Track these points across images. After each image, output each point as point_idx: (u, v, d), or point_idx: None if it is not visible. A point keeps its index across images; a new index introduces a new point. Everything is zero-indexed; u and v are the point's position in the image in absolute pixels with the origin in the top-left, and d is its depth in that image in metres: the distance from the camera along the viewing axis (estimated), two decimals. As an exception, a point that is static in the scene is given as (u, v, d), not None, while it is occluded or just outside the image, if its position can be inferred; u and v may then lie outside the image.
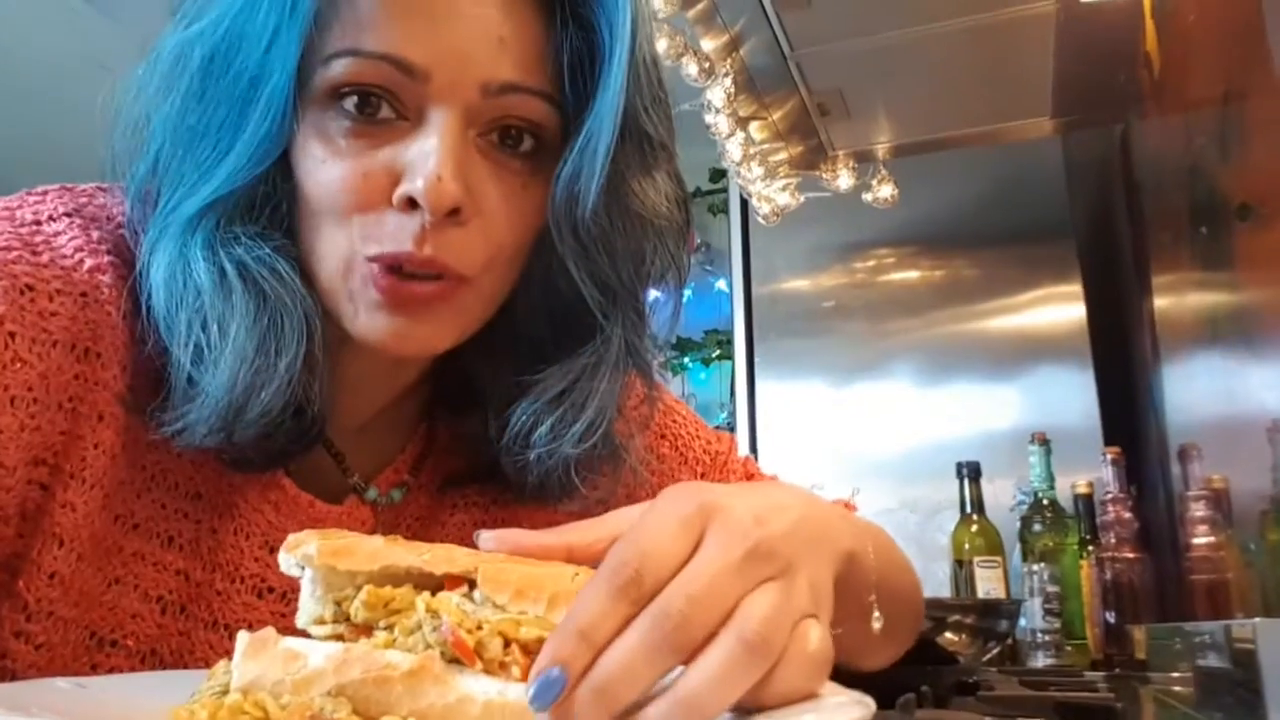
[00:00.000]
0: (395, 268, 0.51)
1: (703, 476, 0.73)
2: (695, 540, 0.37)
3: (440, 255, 0.51)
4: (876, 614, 0.51)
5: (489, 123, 0.53)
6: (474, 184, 0.52)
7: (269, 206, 0.53)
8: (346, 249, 0.52)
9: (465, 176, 0.51)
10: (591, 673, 0.34)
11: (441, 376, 0.64)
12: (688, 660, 0.35)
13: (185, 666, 0.57)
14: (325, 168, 0.51)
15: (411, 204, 0.50)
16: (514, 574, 0.38)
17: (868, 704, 0.37)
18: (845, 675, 0.65)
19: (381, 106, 0.51)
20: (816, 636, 0.37)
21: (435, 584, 0.39)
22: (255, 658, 0.37)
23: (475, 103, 0.51)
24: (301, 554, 0.39)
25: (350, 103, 0.51)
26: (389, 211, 0.51)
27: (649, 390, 0.63)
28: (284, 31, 0.49)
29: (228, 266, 0.51)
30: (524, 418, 0.58)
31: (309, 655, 0.37)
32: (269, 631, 0.38)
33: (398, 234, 0.51)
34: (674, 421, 0.73)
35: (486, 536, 0.42)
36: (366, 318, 0.53)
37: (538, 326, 0.59)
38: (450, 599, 0.38)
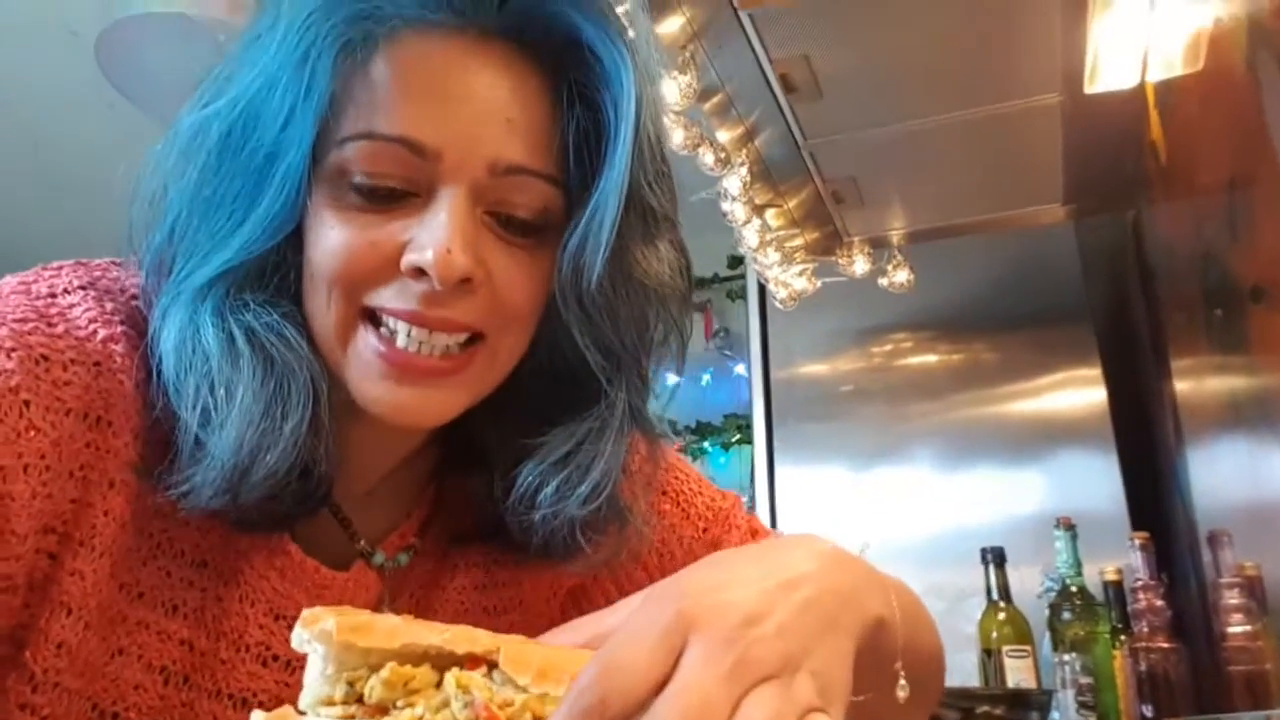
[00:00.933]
0: (406, 332, 0.52)
1: (705, 533, 0.72)
2: (675, 654, 0.35)
3: (456, 316, 0.53)
4: (902, 682, 0.49)
5: (495, 202, 0.54)
6: (484, 256, 0.53)
7: (278, 276, 0.55)
8: (348, 310, 0.53)
9: (474, 249, 0.52)
10: None
11: (449, 437, 0.64)
12: None
13: None
14: (333, 234, 0.53)
15: (419, 273, 0.52)
16: (536, 655, 0.38)
17: None
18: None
19: (388, 180, 0.53)
20: None
21: (450, 665, 0.38)
22: None
23: (482, 180, 0.53)
24: (319, 630, 0.38)
25: (364, 185, 0.53)
26: (396, 279, 0.53)
27: (651, 450, 0.64)
28: (299, 112, 0.51)
29: (236, 332, 0.52)
30: (530, 479, 0.58)
31: None
32: (287, 710, 0.37)
33: (404, 296, 0.52)
34: (676, 479, 0.73)
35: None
36: (370, 387, 0.54)
37: (543, 390, 0.60)
38: (477, 677, 0.37)
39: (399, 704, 0.37)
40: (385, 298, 0.53)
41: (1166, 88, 1.56)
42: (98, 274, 0.58)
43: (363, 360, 0.54)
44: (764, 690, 0.35)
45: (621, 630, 0.37)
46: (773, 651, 0.37)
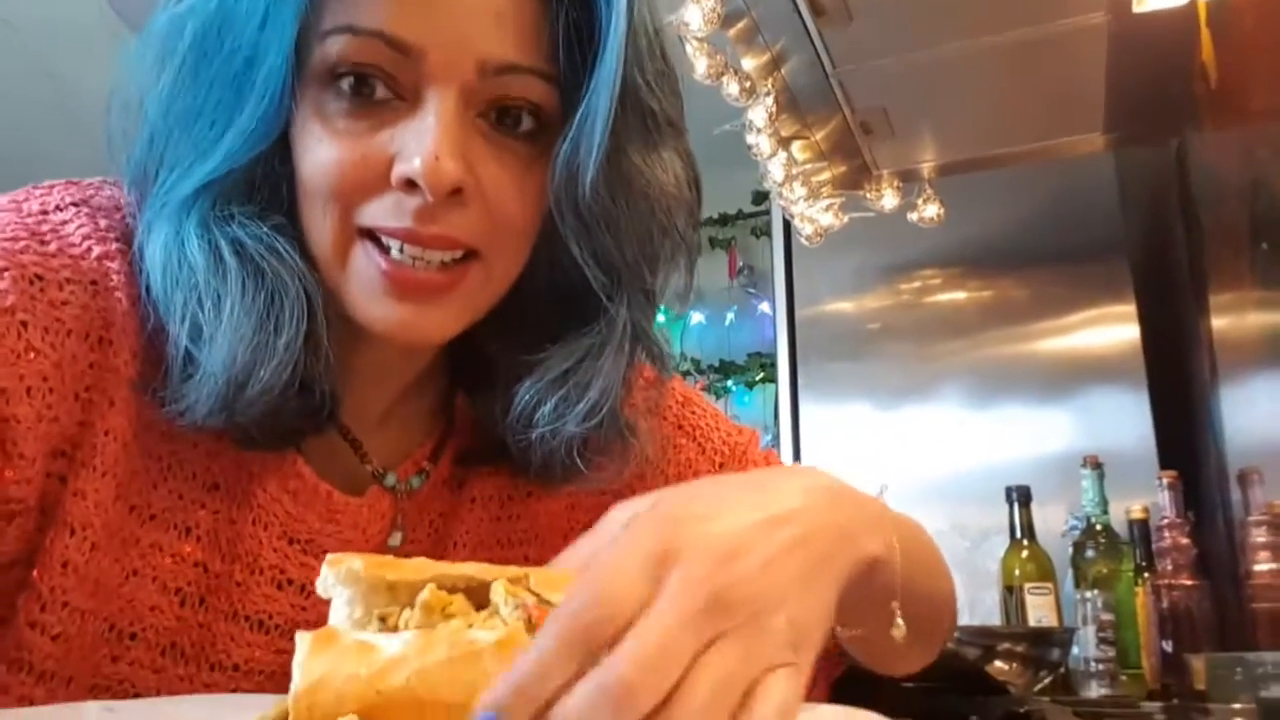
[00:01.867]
0: (398, 249, 0.51)
1: (721, 468, 0.71)
2: (655, 583, 0.34)
3: (449, 231, 0.51)
4: (899, 622, 0.49)
5: (487, 103, 0.52)
6: (474, 164, 0.51)
7: (267, 188, 0.53)
8: (344, 227, 0.52)
9: (464, 156, 0.50)
10: None
11: (459, 360, 0.64)
12: None
13: (206, 658, 0.56)
14: (322, 149, 0.51)
15: (410, 185, 0.50)
16: (564, 579, 0.38)
17: None
18: (887, 701, 0.64)
19: (378, 87, 0.51)
20: (778, 694, 0.34)
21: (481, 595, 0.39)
22: (323, 653, 0.35)
23: (472, 82, 0.51)
24: (344, 570, 0.38)
25: (346, 84, 0.51)
26: (389, 192, 0.51)
27: (659, 372, 0.62)
28: (276, 8, 0.49)
29: (223, 244, 0.51)
30: (527, 396, 0.57)
31: (383, 646, 0.35)
32: (332, 629, 0.37)
33: (399, 212, 0.51)
34: (692, 414, 0.72)
35: None
36: (371, 304, 0.52)
37: (546, 307, 0.59)
38: (521, 589, 0.38)
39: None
40: (379, 215, 0.51)
41: (1219, 6, 1.48)
42: (90, 191, 0.56)
43: (362, 278, 0.52)
44: (730, 644, 0.34)
45: (606, 558, 0.36)
46: (751, 593, 0.35)
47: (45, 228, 0.52)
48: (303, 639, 0.36)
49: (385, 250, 0.52)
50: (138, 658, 0.54)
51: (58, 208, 0.54)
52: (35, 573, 0.51)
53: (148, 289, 0.52)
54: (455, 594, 0.38)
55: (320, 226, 0.52)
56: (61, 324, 0.49)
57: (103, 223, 0.54)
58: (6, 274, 0.48)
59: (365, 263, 0.52)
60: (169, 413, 0.51)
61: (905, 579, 0.49)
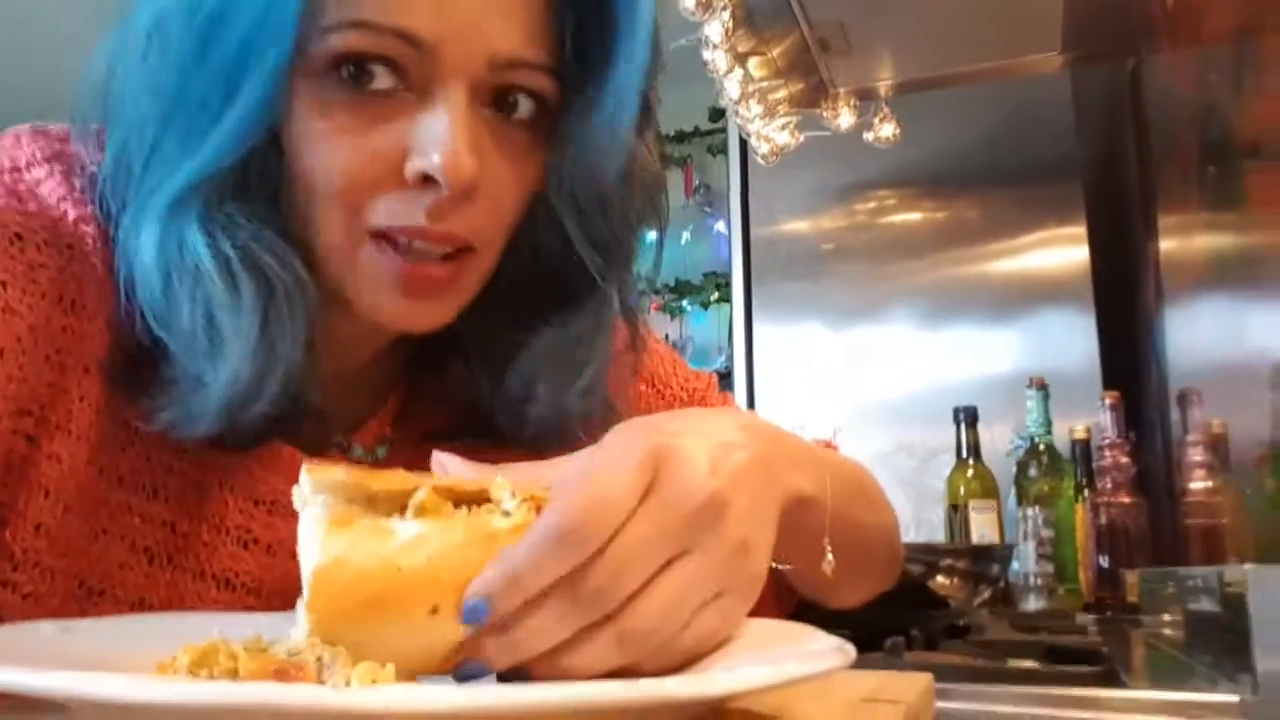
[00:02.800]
0: (406, 244, 0.50)
1: None
2: (645, 488, 0.37)
3: (456, 229, 0.50)
4: (829, 558, 0.52)
5: (491, 97, 0.51)
6: (483, 157, 0.50)
7: (262, 185, 0.51)
8: (353, 226, 0.51)
9: (479, 150, 0.49)
10: (507, 624, 0.36)
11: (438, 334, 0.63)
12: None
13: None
14: (328, 145, 0.49)
15: (426, 179, 0.49)
16: (543, 485, 0.40)
17: (847, 651, 0.37)
18: (830, 615, 0.65)
19: (379, 75, 0.49)
20: (720, 617, 0.38)
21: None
22: (340, 533, 0.35)
23: (482, 75, 0.50)
24: (328, 479, 0.37)
25: (347, 71, 0.48)
26: (400, 189, 0.49)
27: (633, 336, 0.63)
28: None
29: (230, 253, 0.49)
30: (523, 374, 0.58)
31: (399, 529, 0.36)
32: (351, 508, 0.37)
33: (410, 209, 0.49)
34: (651, 360, 0.73)
35: (437, 459, 0.43)
36: (379, 299, 0.52)
37: (522, 284, 0.58)
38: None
39: None
40: (390, 214, 0.50)
41: (1179, -77, 1.46)
42: (59, 145, 0.54)
43: (373, 276, 0.51)
44: (693, 561, 0.38)
45: (598, 457, 0.38)
46: (716, 512, 0.38)
47: (22, 187, 0.52)
48: (306, 475, 0.37)
49: (399, 251, 0.51)
50: (106, 614, 0.54)
51: (29, 164, 0.53)
52: (8, 534, 0.51)
53: (130, 278, 0.50)
54: (445, 502, 0.38)
55: (326, 225, 0.51)
56: (37, 285, 0.49)
57: (77, 184, 0.53)
58: None
59: (377, 262, 0.51)
60: (159, 425, 0.50)
61: (837, 515, 0.52)
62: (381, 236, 0.51)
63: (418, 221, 0.49)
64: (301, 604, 0.36)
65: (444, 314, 0.55)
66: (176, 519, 0.56)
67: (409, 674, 0.36)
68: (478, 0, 0.49)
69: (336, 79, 0.48)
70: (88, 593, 0.54)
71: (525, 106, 0.52)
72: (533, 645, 0.36)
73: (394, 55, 0.48)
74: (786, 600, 0.66)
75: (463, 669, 0.36)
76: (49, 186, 0.52)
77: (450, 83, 0.49)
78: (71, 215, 0.51)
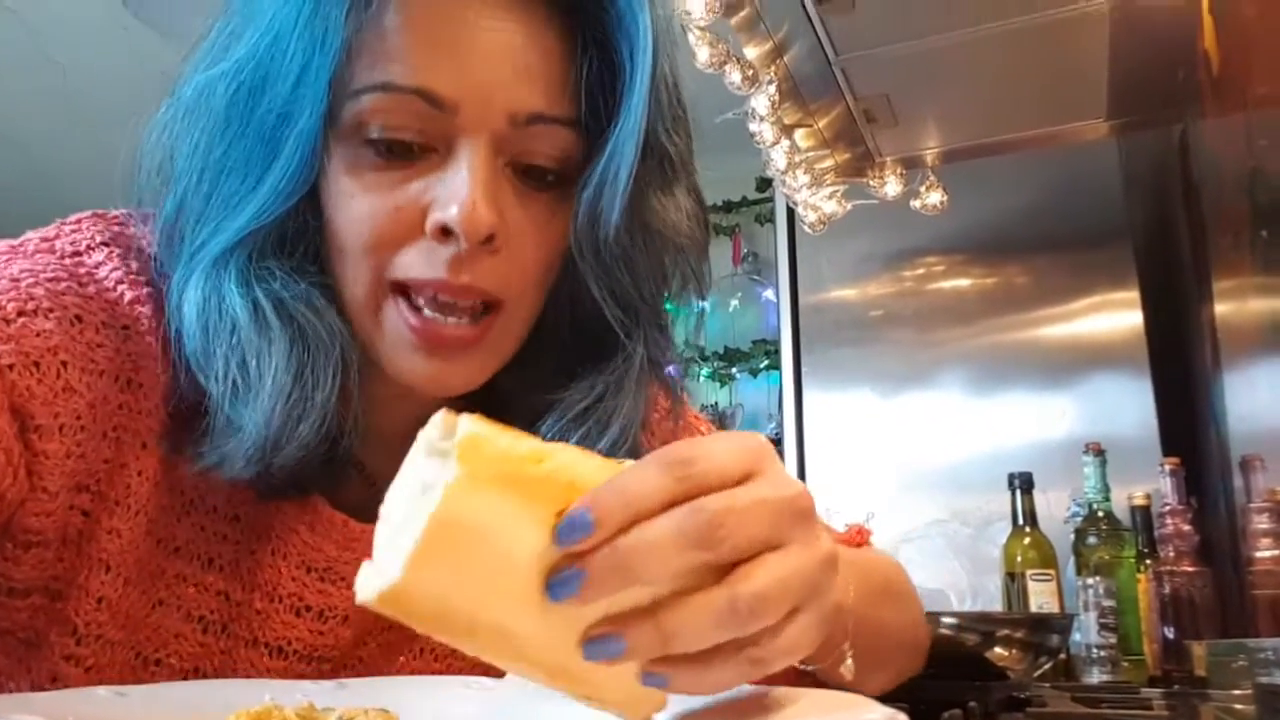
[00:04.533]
0: (430, 301, 0.52)
1: None
2: (750, 470, 0.37)
3: (478, 282, 0.52)
4: (848, 663, 0.52)
5: (515, 154, 0.53)
6: (505, 211, 0.52)
7: (301, 242, 0.54)
8: (377, 282, 0.53)
9: (498, 203, 0.51)
10: (618, 539, 0.34)
11: (471, 391, 0.64)
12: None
13: None
14: (355, 202, 0.52)
15: (445, 233, 0.51)
16: None
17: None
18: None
19: (405, 136, 0.52)
20: (797, 634, 0.37)
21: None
22: (484, 422, 0.35)
23: (503, 132, 0.52)
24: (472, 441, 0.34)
25: (377, 133, 0.51)
26: (421, 242, 0.52)
27: (672, 405, 0.64)
28: (313, 67, 0.50)
29: (263, 302, 0.52)
30: (549, 434, 0.58)
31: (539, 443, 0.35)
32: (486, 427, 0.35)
33: (432, 262, 0.51)
34: (688, 434, 0.72)
35: None
36: (401, 359, 0.54)
37: (564, 342, 0.59)
38: None
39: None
40: (411, 266, 0.52)
41: (1221, -7, 1.47)
42: (116, 229, 0.57)
43: (393, 333, 0.53)
44: (790, 551, 0.37)
45: (709, 437, 0.39)
46: (814, 513, 0.39)
47: (82, 270, 0.54)
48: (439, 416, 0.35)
49: (416, 307, 0.53)
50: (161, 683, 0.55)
51: (89, 248, 0.55)
52: (70, 608, 0.52)
53: (178, 336, 0.53)
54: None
55: (353, 280, 0.53)
56: (96, 365, 0.51)
57: (134, 265, 0.55)
58: (52, 315, 0.50)
59: (396, 319, 0.53)
60: (201, 467, 0.52)
61: (861, 619, 0.52)
62: (402, 293, 0.53)
63: (438, 274, 0.51)
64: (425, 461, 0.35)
65: (473, 375, 0.55)
66: (230, 588, 0.57)
67: (508, 591, 0.34)
68: (497, 60, 0.51)
69: (367, 141, 0.52)
70: (144, 662, 0.55)
71: (554, 173, 0.54)
72: (640, 565, 0.34)
73: (417, 120, 0.51)
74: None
75: (560, 577, 0.34)
76: (107, 269, 0.54)
77: (471, 140, 0.51)
78: (128, 296, 0.54)
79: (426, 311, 0.52)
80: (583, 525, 0.33)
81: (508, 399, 0.61)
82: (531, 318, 0.57)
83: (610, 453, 0.57)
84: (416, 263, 0.52)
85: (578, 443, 0.57)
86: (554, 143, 0.54)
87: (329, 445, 0.53)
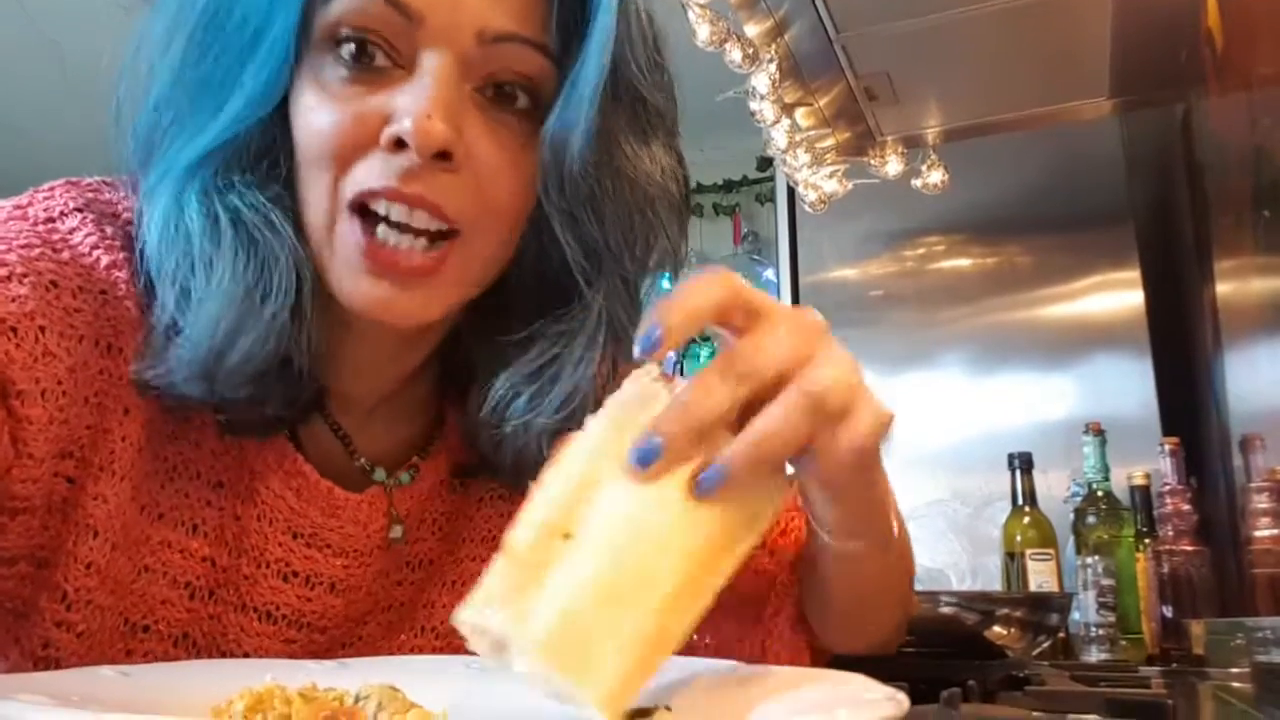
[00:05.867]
0: (384, 222, 0.51)
1: None
2: (807, 355, 0.42)
3: (430, 195, 0.51)
4: (895, 525, 0.54)
5: (484, 77, 0.52)
6: (467, 132, 0.51)
7: (267, 159, 0.53)
8: (331, 196, 0.52)
9: (456, 120, 0.50)
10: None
11: (449, 361, 0.64)
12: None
13: (218, 648, 0.58)
14: (318, 113, 0.52)
15: (398, 144, 0.50)
16: None
17: (900, 701, 0.37)
18: (885, 666, 0.65)
19: (377, 54, 0.51)
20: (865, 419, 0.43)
21: None
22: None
23: (470, 50, 0.51)
24: None
25: (347, 50, 0.51)
26: (376, 153, 0.51)
27: (611, 372, 0.60)
28: None
29: (220, 212, 0.51)
30: (502, 389, 0.57)
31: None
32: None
33: (384, 171, 0.50)
34: None
35: None
36: (351, 282, 0.52)
37: (531, 299, 0.58)
38: None
39: None
40: (366, 177, 0.51)
41: (1225, -30, 1.46)
42: (90, 195, 0.57)
43: (345, 252, 0.52)
44: (835, 356, 0.44)
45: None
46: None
47: (56, 236, 0.53)
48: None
49: (370, 228, 0.52)
50: (151, 649, 0.56)
51: (63, 214, 0.55)
52: (60, 575, 0.52)
53: (142, 254, 0.53)
54: None
55: (312, 194, 0.53)
56: (75, 330, 0.50)
57: (108, 230, 0.55)
58: (26, 280, 0.49)
59: (348, 238, 0.52)
60: (148, 378, 0.52)
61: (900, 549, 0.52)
62: (357, 211, 0.52)
63: (390, 183, 0.50)
64: None
65: (428, 306, 0.54)
66: (216, 553, 0.57)
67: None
68: None
69: (335, 56, 0.51)
70: (132, 629, 0.55)
71: (523, 99, 0.53)
72: (701, 408, 0.40)
73: (383, 27, 0.50)
74: (819, 659, 0.67)
75: (643, 443, 0.38)
76: (81, 235, 0.54)
77: (436, 54, 0.50)
78: (104, 261, 0.53)
79: (380, 231, 0.51)
80: (654, 450, 0.38)
81: (470, 347, 0.60)
82: (497, 256, 0.56)
83: (559, 409, 0.56)
84: (370, 173, 0.51)
85: (529, 398, 0.56)
86: (524, 64, 0.53)
87: (283, 371, 0.52)
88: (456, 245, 0.53)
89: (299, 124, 0.52)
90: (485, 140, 0.52)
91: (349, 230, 0.52)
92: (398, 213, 0.51)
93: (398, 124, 0.50)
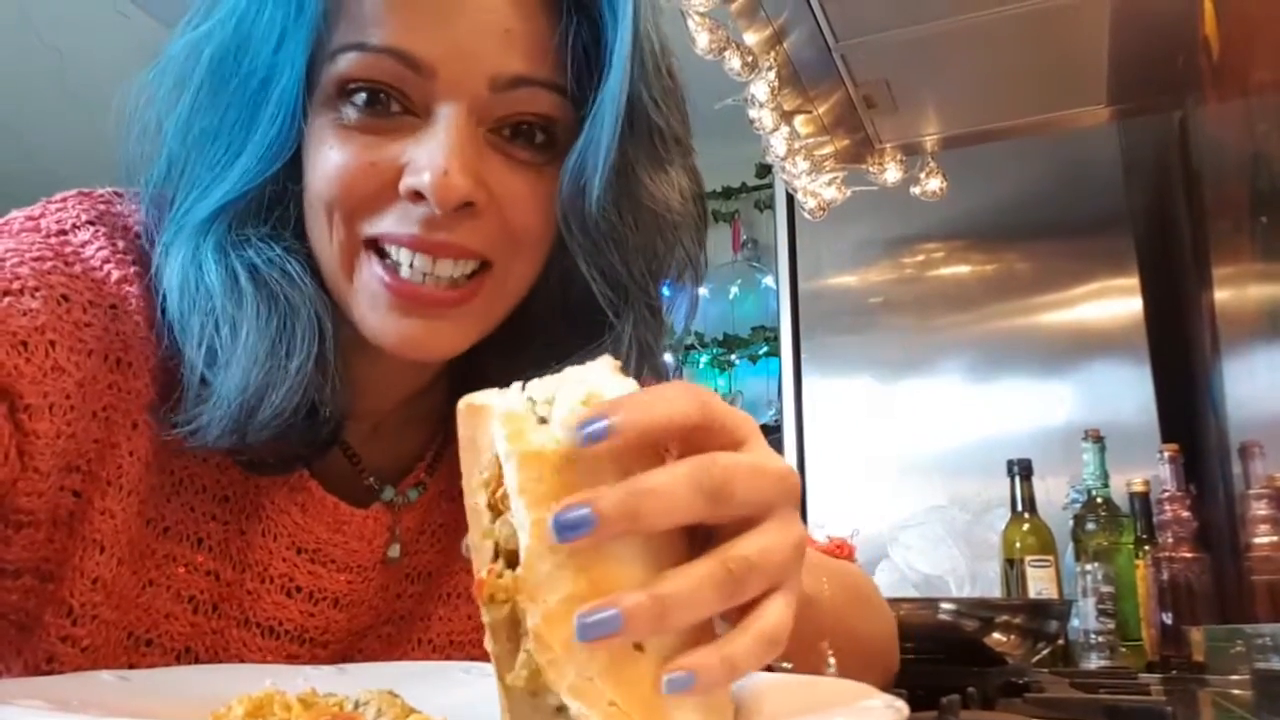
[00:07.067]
0: (408, 266, 0.51)
1: None
2: (748, 437, 0.36)
3: (455, 240, 0.51)
4: (830, 660, 0.50)
5: (500, 120, 0.52)
6: (487, 177, 0.51)
7: (279, 208, 0.53)
8: (350, 239, 0.52)
9: (474, 168, 0.50)
10: (635, 481, 0.33)
11: (458, 372, 0.64)
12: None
13: (220, 662, 0.58)
14: (331, 158, 0.51)
15: (418, 197, 0.50)
16: None
17: (899, 708, 0.37)
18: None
19: (390, 103, 0.51)
20: (780, 612, 0.35)
21: None
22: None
23: (484, 97, 0.51)
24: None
25: (359, 99, 0.51)
26: (396, 203, 0.51)
27: None
28: (292, 30, 0.50)
29: (239, 269, 0.52)
30: None
31: None
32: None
33: (404, 220, 0.51)
34: None
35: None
36: (377, 319, 0.52)
37: (555, 323, 0.59)
38: None
39: None
40: (386, 224, 0.51)
41: (1221, -22, 1.47)
42: (103, 207, 0.57)
43: (368, 291, 0.52)
44: (774, 526, 0.35)
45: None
46: (798, 492, 0.37)
47: (68, 249, 0.53)
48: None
49: (391, 266, 0.52)
50: (154, 663, 0.56)
51: (75, 226, 0.55)
52: (65, 589, 0.52)
53: (163, 311, 0.53)
54: None
55: (327, 237, 0.53)
56: (84, 344, 0.50)
57: (120, 244, 0.55)
58: (38, 294, 0.49)
59: (370, 276, 0.52)
60: (180, 434, 0.52)
61: (837, 619, 0.51)
62: (375, 249, 0.52)
63: (412, 231, 0.50)
64: None
65: (457, 337, 0.54)
66: (220, 568, 0.57)
67: None
68: (476, 21, 0.50)
69: (346, 106, 0.51)
70: (136, 643, 0.55)
71: (540, 136, 0.53)
72: (650, 509, 0.32)
73: (395, 80, 0.50)
74: None
75: (568, 519, 0.32)
76: (93, 248, 0.54)
77: (450, 104, 0.50)
78: (115, 276, 0.53)
79: (403, 273, 0.51)
80: (600, 427, 0.32)
81: (496, 382, 0.60)
82: (523, 286, 0.56)
83: None
84: (390, 221, 0.51)
85: None
86: (539, 106, 0.52)
87: (309, 417, 0.52)
88: (489, 277, 0.53)
89: (313, 173, 0.52)
90: (506, 177, 0.52)
91: (370, 269, 0.52)
92: (421, 262, 0.51)
93: (415, 177, 0.50)
